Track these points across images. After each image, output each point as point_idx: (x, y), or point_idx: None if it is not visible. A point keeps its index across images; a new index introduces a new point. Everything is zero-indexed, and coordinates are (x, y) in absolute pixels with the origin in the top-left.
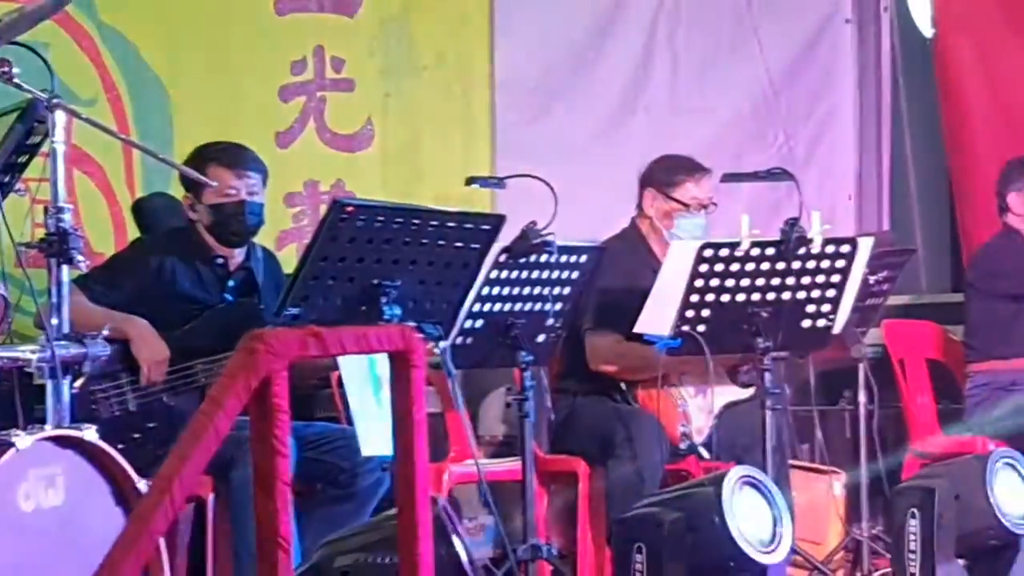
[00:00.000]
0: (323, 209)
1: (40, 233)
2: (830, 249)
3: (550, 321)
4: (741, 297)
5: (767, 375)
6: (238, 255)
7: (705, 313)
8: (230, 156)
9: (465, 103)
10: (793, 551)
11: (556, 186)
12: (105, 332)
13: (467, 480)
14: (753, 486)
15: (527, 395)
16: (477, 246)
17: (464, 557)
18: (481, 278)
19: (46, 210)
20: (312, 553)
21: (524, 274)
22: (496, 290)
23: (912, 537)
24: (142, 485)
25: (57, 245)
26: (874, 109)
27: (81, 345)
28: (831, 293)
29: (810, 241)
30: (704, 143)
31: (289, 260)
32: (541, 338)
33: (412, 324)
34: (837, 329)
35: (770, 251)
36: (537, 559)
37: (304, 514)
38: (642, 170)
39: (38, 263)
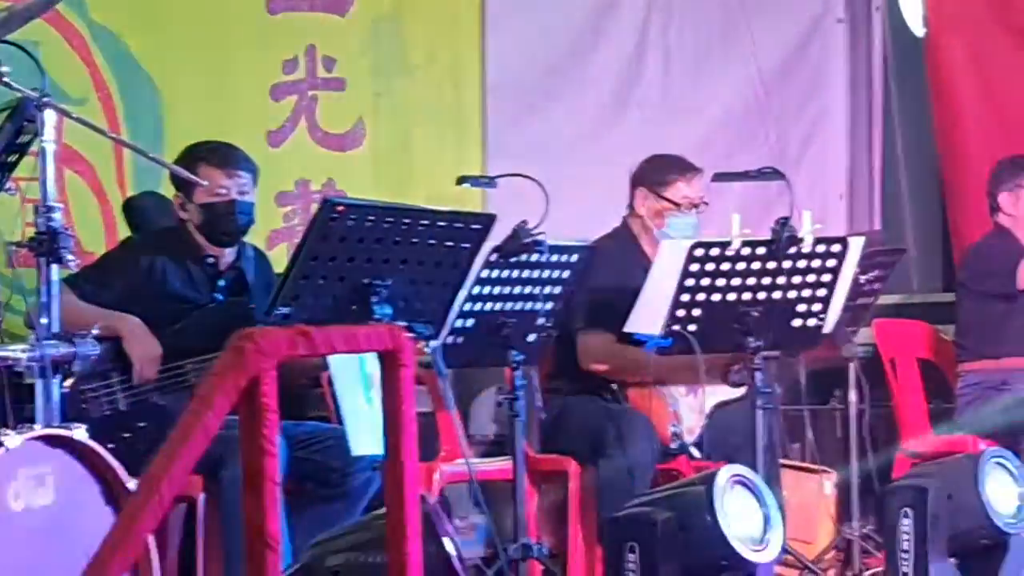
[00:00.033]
0: (314, 208)
1: (31, 232)
2: (821, 248)
3: (541, 320)
4: (732, 296)
5: (758, 374)
6: (228, 254)
7: (696, 312)
8: (220, 155)
9: (456, 103)
10: (784, 550)
11: (547, 185)
12: (95, 331)
13: (458, 479)
14: (744, 485)
15: (518, 394)
16: (468, 245)
17: (454, 555)
18: (472, 277)
19: (36, 209)
20: (303, 552)
21: (515, 273)
22: (487, 289)
23: (905, 536)
24: (132, 485)
25: (47, 244)
26: (865, 109)
27: (71, 344)
28: (822, 292)
29: (801, 240)
30: (695, 142)
31: (280, 259)
32: (532, 337)
33: (403, 324)
34: (828, 328)
35: (761, 250)
36: (528, 558)
37: (295, 513)
38: (633, 169)
39: (28, 262)
